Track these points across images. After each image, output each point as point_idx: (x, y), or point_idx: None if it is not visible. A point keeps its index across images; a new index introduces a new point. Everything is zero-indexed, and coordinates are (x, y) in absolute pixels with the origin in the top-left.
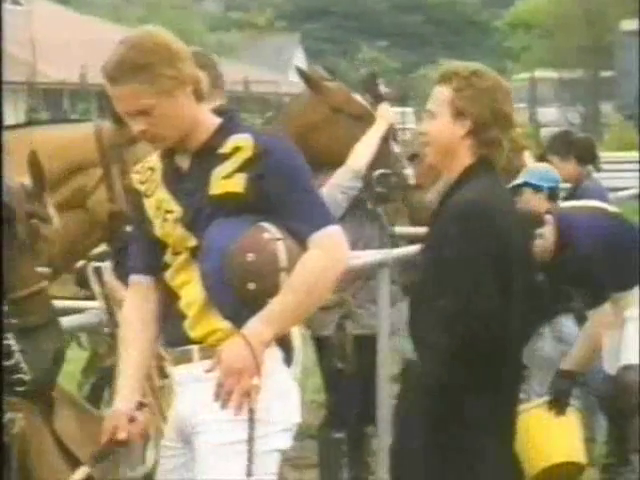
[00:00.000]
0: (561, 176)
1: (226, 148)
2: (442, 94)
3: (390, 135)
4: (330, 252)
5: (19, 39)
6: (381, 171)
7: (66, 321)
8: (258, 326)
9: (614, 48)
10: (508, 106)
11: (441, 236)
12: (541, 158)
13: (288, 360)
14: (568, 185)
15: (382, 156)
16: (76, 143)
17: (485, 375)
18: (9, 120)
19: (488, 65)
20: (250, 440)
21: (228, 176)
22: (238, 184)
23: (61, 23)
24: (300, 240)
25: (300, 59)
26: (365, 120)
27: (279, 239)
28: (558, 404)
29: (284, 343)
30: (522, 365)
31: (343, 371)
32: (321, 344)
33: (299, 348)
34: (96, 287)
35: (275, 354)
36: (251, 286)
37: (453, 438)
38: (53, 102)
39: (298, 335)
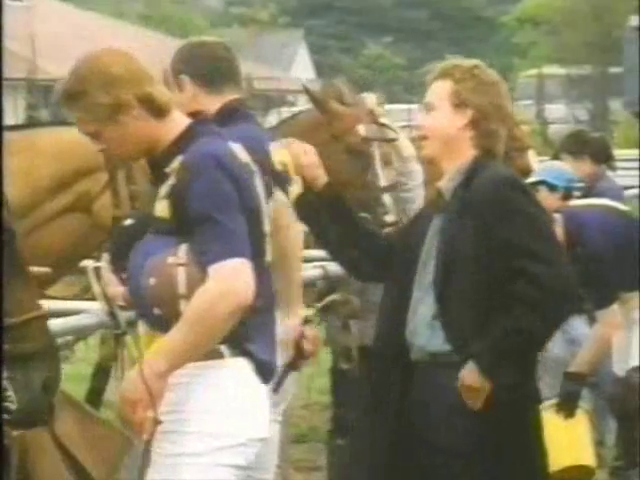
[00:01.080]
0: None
1: (170, 168)
2: (442, 87)
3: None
4: (221, 285)
5: (19, 35)
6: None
7: (67, 322)
8: (154, 357)
9: (623, 44)
10: (507, 102)
11: (484, 216)
12: (554, 158)
13: (265, 373)
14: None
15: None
16: (82, 147)
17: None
18: (8, 117)
19: (495, 61)
20: (146, 451)
21: (162, 198)
22: (164, 209)
23: (61, 19)
24: (204, 269)
25: (304, 55)
26: (361, 157)
27: (181, 264)
28: (567, 406)
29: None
30: None
31: (347, 373)
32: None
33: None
34: (96, 288)
35: (234, 370)
36: (156, 311)
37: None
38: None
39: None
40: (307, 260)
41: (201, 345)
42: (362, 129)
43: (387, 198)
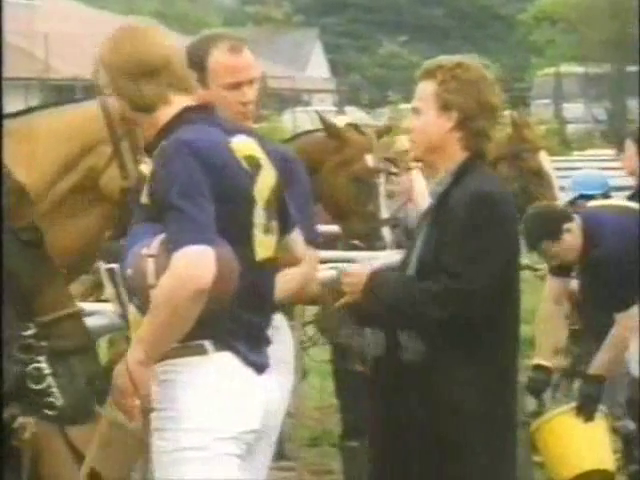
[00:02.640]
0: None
1: (155, 153)
2: (426, 89)
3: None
4: (178, 272)
5: (31, 34)
6: (353, 243)
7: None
8: (134, 345)
9: None
10: (494, 97)
11: (453, 224)
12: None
13: (258, 366)
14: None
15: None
16: (82, 123)
17: (476, 354)
18: None
19: (512, 60)
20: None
21: (146, 184)
22: (145, 195)
23: (74, 17)
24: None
25: (318, 54)
26: (366, 186)
27: (151, 256)
28: (587, 410)
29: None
30: (515, 351)
31: (357, 375)
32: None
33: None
34: (110, 289)
35: (220, 364)
36: (135, 301)
37: (452, 428)
38: (65, 98)
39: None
40: (322, 261)
41: (168, 332)
42: (369, 159)
43: (386, 231)
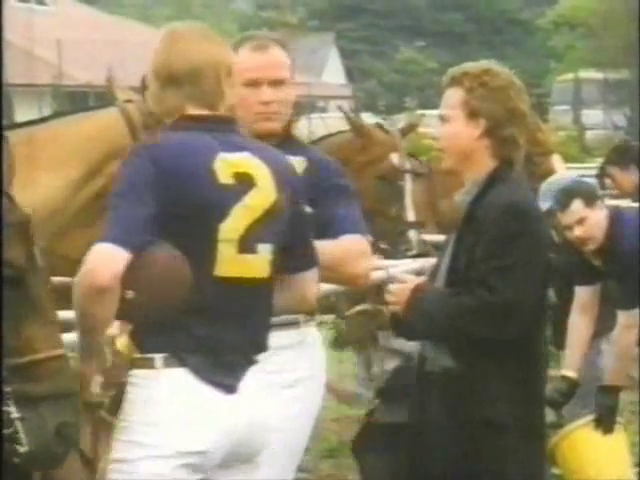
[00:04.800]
0: (624, 188)
1: None
2: (454, 96)
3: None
4: (83, 268)
5: (45, 40)
6: (382, 246)
7: None
8: None
9: None
10: (522, 104)
11: (485, 236)
12: (601, 171)
13: (224, 386)
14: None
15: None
16: (108, 128)
17: (508, 368)
18: None
19: (531, 65)
20: None
21: None
22: None
23: (88, 24)
24: None
25: (334, 60)
26: (391, 186)
27: None
28: (606, 422)
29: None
30: (544, 362)
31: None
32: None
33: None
34: None
35: (168, 380)
36: None
37: (479, 437)
38: (80, 104)
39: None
40: None
41: (79, 325)
42: (395, 157)
43: (413, 234)
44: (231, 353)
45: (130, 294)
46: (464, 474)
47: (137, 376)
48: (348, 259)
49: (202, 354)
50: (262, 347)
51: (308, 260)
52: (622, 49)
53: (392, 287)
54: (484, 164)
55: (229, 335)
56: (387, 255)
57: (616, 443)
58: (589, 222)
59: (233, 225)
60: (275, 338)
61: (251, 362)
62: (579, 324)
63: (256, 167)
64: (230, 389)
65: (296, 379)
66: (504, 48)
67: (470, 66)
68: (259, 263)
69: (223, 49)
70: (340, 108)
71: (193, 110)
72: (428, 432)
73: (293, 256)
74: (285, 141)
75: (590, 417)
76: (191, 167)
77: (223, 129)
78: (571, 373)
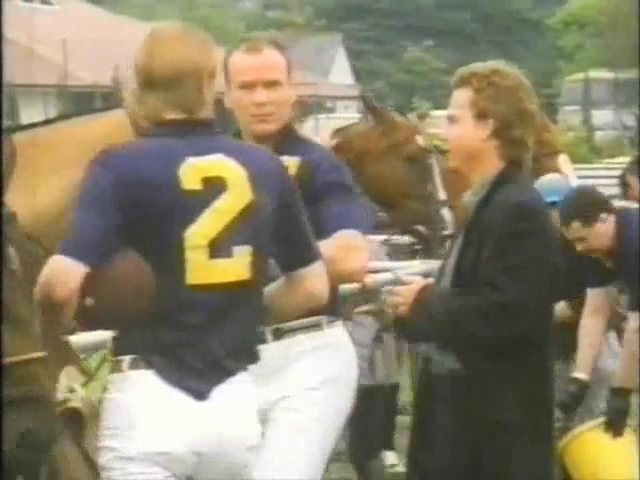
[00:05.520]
0: None
1: None
2: (462, 97)
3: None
4: (40, 278)
5: (50, 40)
6: (416, 228)
7: (95, 336)
8: None
9: None
10: (531, 104)
11: (492, 236)
12: (622, 183)
13: (194, 392)
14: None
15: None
16: (114, 130)
17: (516, 367)
18: None
19: (540, 65)
20: None
21: None
22: None
23: (93, 23)
24: None
25: (342, 60)
26: (420, 167)
27: None
28: (616, 425)
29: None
30: (551, 360)
31: (372, 389)
32: None
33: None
34: None
35: (134, 382)
36: None
37: (487, 436)
38: (85, 105)
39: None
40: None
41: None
42: (420, 139)
43: (446, 212)
44: (202, 359)
45: (90, 301)
46: (471, 476)
47: (110, 380)
48: (342, 255)
49: (170, 358)
50: (247, 355)
51: (307, 256)
52: (632, 48)
53: (398, 289)
54: (492, 165)
55: (201, 341)
56: (424, 237)
57: (626, 446)
58: (589, 238)
59: (200, 231)
60: (295, 345)
61: (231, 371)
62: (591, 326)
63: (229, 169)
64: (200, 395)
65: (321, 381)
66: (513, 48)
67: (479, 66)
68: (236, 266)
69: (205, 52)
70: (362, 97)
71: (171, 115)
72: (434, 434)
73: (290, 254)
74: (283, 141)
75: (600, 419)
76: (152, 174)
77: (200, 133)
78: (582, 375)
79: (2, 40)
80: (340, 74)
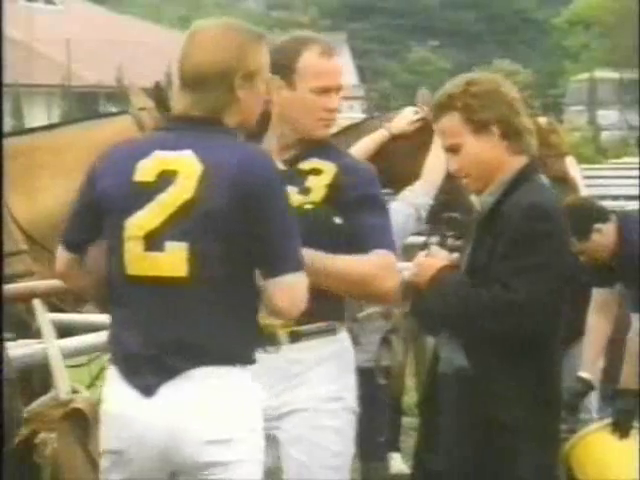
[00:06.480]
0: None
1: None
2: (451, 123)
3: None
4: None
5: (53, 40)
6: (450, 215)
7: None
8: None
9: None
10: (513, 92)
11: (507, 235)
12: None
13: (141, 388)
14: None
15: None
16: (119, 135)
17: (524, 370)
18: (43, 123)
19: (545, 65)
20: None
21: None
22: None
23: (97, 23)
24: None
25: (346, 60)
26: (428, 146)
27: None
28: (622, 426)
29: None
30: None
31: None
32: None
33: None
34: None
35: (108, 378)
36: None
37: (490, 439)
38: (89, 105)
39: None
40: None
41: None
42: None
43: (476, 200)
44: (147, 353)
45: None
46: (476, 476)
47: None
48: (377, 276)
49: (122, 355)
50: (194, 353)
51: (277, 266)
52: (637, 48)
53: (421, 259)
54: (507, 164)
55: (145, 334)
56: (460, 224)
57: (632, 448)
58: (589, 251)
59: (138, 222)
60: (312, 350)
61: (179, 368)
62: (596, 325)
63: (186, 165)
64: (147, 391)
65: (340, 389)
66: (518, 48)
67: (448, 87)
68: (170, 262)
69: (241, 53)
70: (420, 93)
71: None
72: (440, 435)
73: (258, 261)
74: (321, 146)
75: (606, 421)
76: (116, 167)
77: (199, 129)
78: (587, 375)
79: (2, 40)
80: (345, 74)
